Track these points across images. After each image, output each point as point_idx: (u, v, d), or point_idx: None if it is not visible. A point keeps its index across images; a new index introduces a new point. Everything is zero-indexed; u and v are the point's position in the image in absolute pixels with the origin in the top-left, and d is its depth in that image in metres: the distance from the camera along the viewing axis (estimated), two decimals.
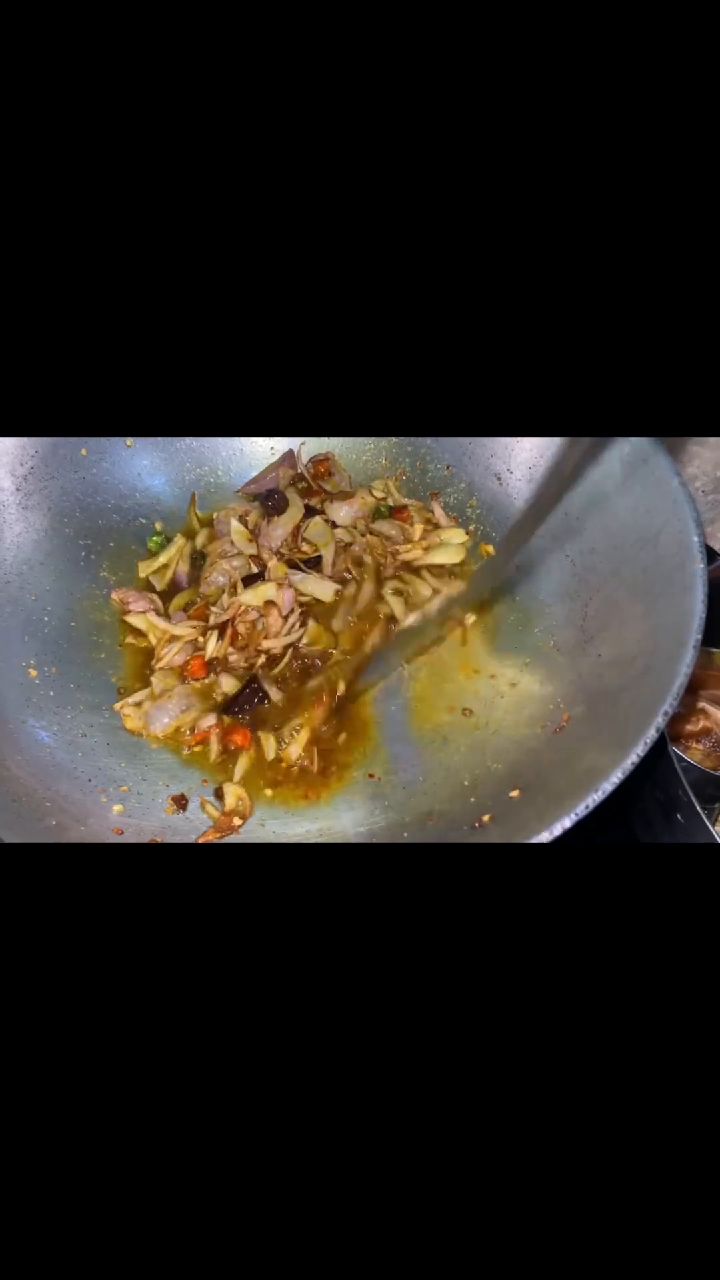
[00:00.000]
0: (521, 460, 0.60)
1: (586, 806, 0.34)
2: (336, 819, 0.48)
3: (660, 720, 0.36)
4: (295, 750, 0.50)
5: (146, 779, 0.49)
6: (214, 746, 0.51)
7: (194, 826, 0.47)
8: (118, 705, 0.52)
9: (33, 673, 0.51)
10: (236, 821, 0.47)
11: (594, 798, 0.34)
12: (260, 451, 0.64)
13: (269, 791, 0.50)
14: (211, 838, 0.46)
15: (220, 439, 0.63)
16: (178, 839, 0.46)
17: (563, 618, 0.53)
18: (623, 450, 0.52)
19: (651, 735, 0.35)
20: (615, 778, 0.34)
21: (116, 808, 0.47)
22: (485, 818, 0.43)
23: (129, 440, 0.60)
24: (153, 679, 0.53)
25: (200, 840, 0.46)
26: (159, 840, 0.46)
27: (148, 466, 0.61)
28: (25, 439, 0.55)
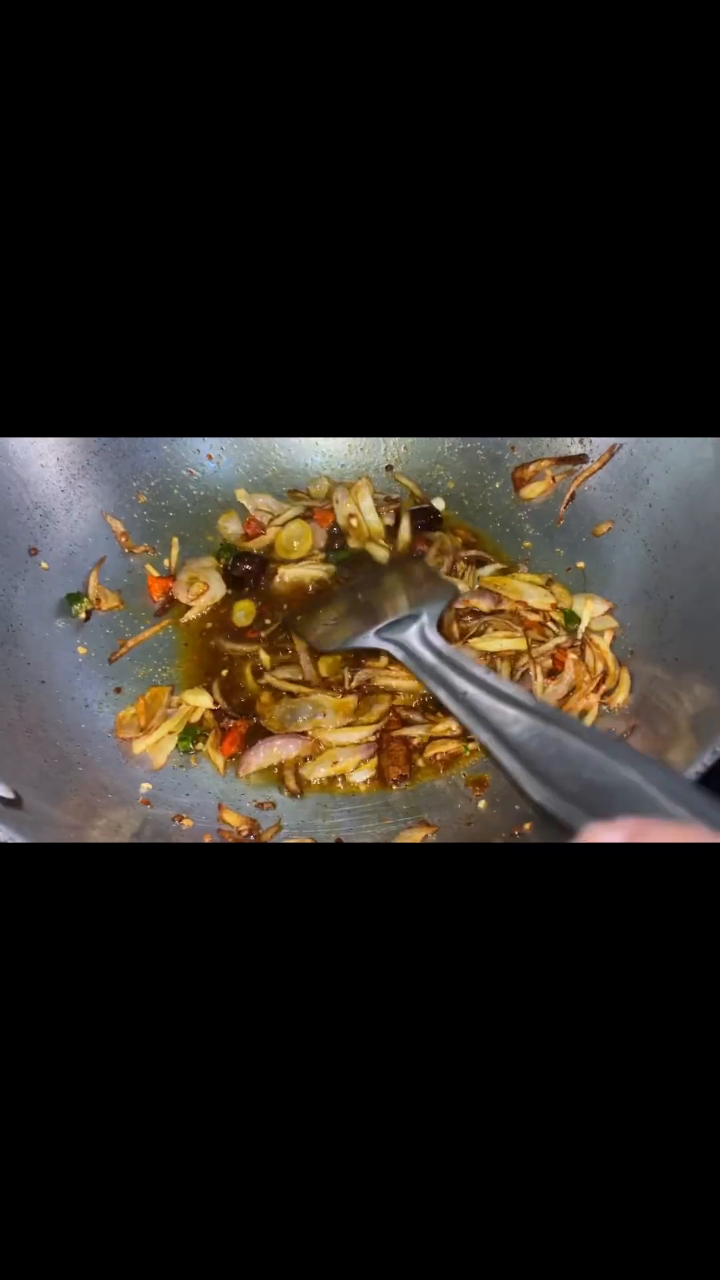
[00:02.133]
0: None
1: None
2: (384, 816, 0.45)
3: None
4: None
5: (185, 751, 0.48)
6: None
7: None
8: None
9: (82, 650, 0.51)
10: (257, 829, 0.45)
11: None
12: (307, 448, 0.63)
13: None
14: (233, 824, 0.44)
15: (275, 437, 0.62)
16: (202, 819, 0.45)
17: (639, 618, 0.48)
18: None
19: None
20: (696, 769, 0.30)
21: (145, 785, 0.46)
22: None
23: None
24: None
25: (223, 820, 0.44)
26: (182, 817, 0.44)
27: (217, 448, 0.61)
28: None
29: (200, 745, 0.48)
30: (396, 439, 0.63)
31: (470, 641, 0.51)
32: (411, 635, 0.46)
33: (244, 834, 0.44)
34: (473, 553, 0.55)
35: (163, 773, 0.47)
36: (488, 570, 0.54)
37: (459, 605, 0.52)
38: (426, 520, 0.58)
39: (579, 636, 0.49)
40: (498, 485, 0.59)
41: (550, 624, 0.51)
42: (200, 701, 0.49)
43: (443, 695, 0.40)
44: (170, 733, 0.48)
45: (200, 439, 0.60)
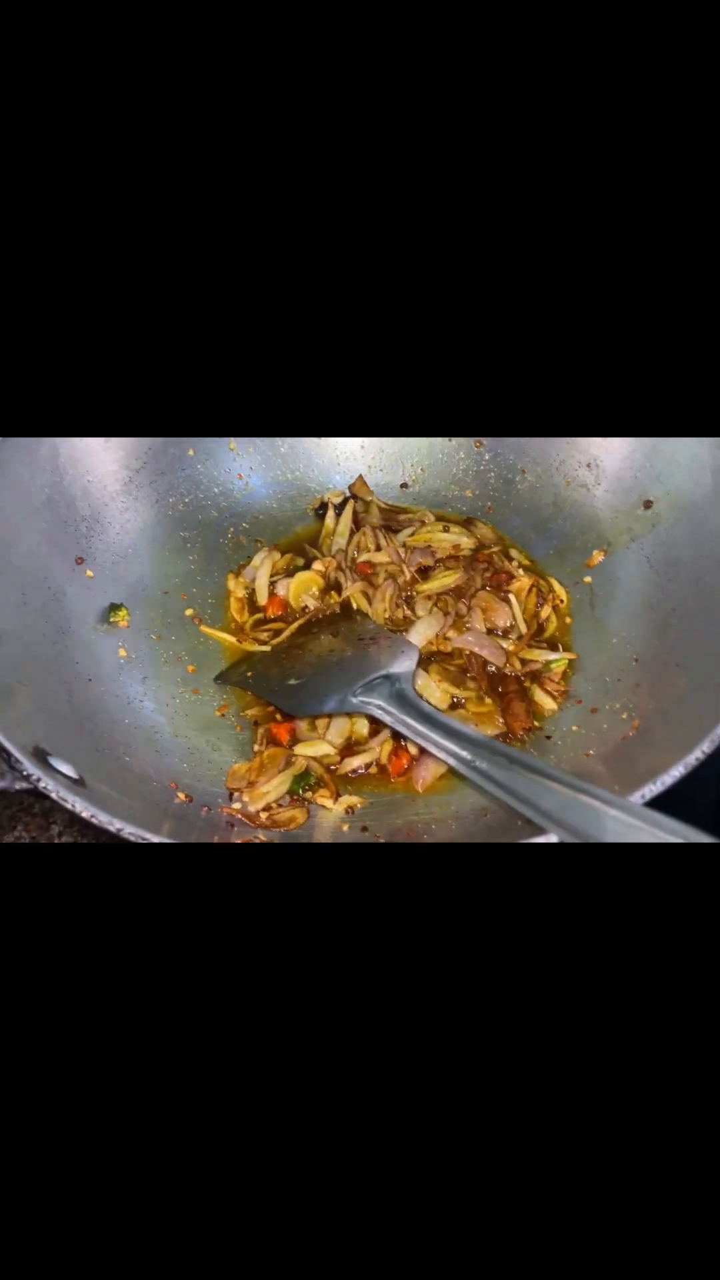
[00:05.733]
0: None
1: (643, 797, 0.33)
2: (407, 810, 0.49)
3: None
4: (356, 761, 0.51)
5: (217, 749, 0.52)
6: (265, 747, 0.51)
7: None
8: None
9: (123, 653, 0.55)
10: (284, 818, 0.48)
11: (650, 789, 0.33)
12: (352, 452, 0.67)
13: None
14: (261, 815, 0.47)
15: (313, 445, 0.67)
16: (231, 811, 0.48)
17: (644, 630, 0.51)
18: (717, 460, 0.50)
19: (718, 735, 0.34)
20: (676, 773, 0.33)
21: (183, 765, 0.49)
22: None
23: (232, 443, 0.65)
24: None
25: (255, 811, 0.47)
26: (218, 810, 0.48)
27: (247, 468, 0.65)
28: (139, 443, 0.60)
29: (311, 793, 0.49)
30: (415, 461, 0.67)
31: (417, 588, 0.58)
32: (391, 698, 0.47)
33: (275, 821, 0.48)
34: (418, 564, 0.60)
35: (198, 766, 0.51)
36: (405, 533, 0.62)
37: (417, 561, 0.59)
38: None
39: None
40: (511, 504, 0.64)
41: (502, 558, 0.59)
42: (318, 752, 0.50)
43: (439, 754, 0.42)
44: (279, 785, 0.49)
45: (231, 460, 0.64)
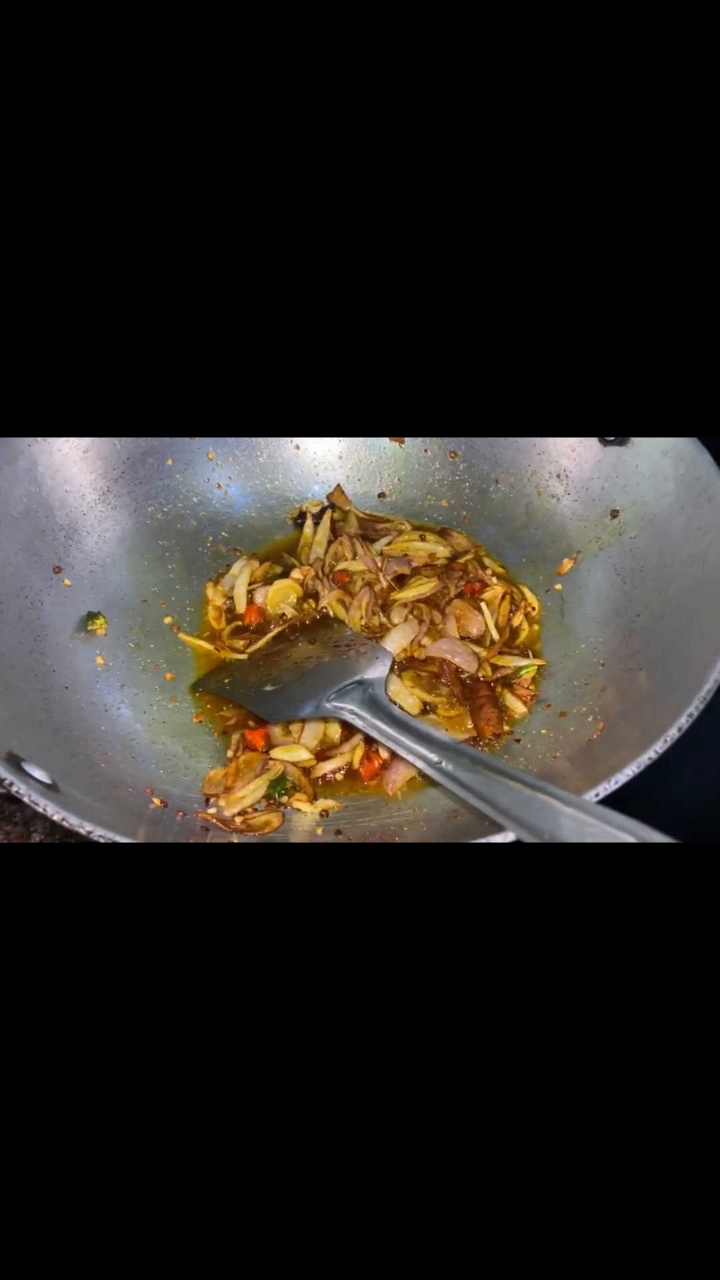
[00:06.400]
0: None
1: (597, 795, 0.34)
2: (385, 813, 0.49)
3: (684, 720, 0.35)
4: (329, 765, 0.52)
5: (194, 755, 0.52)
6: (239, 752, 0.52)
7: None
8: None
9: (100, 661, 0.56)
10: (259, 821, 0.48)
11: (605, 788, 0.34)
12: (330, 462, 0.68)
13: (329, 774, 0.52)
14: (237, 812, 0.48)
15: (292, 455, 0.68)
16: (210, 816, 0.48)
17: (610, 635, 0.53)
18: (679, 471, 0.52)
19: (673, 734, 0.35)
20: (629, 772, 0.34)
21: (159, 771, 0.50)
22: None
23: (210, 453, 0.66)
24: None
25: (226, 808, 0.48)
26: (193, 815, 0.48)
27: (226, 477, 0.66)
28: (119, 447, 0.61)
29: (287, 797, 0.50)
30: (392, 471, 0.68)
31: (393, 595, 0.59)
32: (363, 703, 0.48)
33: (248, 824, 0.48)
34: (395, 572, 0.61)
35: (174, 772, 0.51)
36: (382, 542, 0.63)
37: (393, 569, 0.61)
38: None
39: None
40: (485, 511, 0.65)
41: (476, 567, 0.61)
42: (294, 757, 0.51)
43: (408, 757, 0.43)
44: (255, 790, 0.49)
45: (210, 469, 0.65)
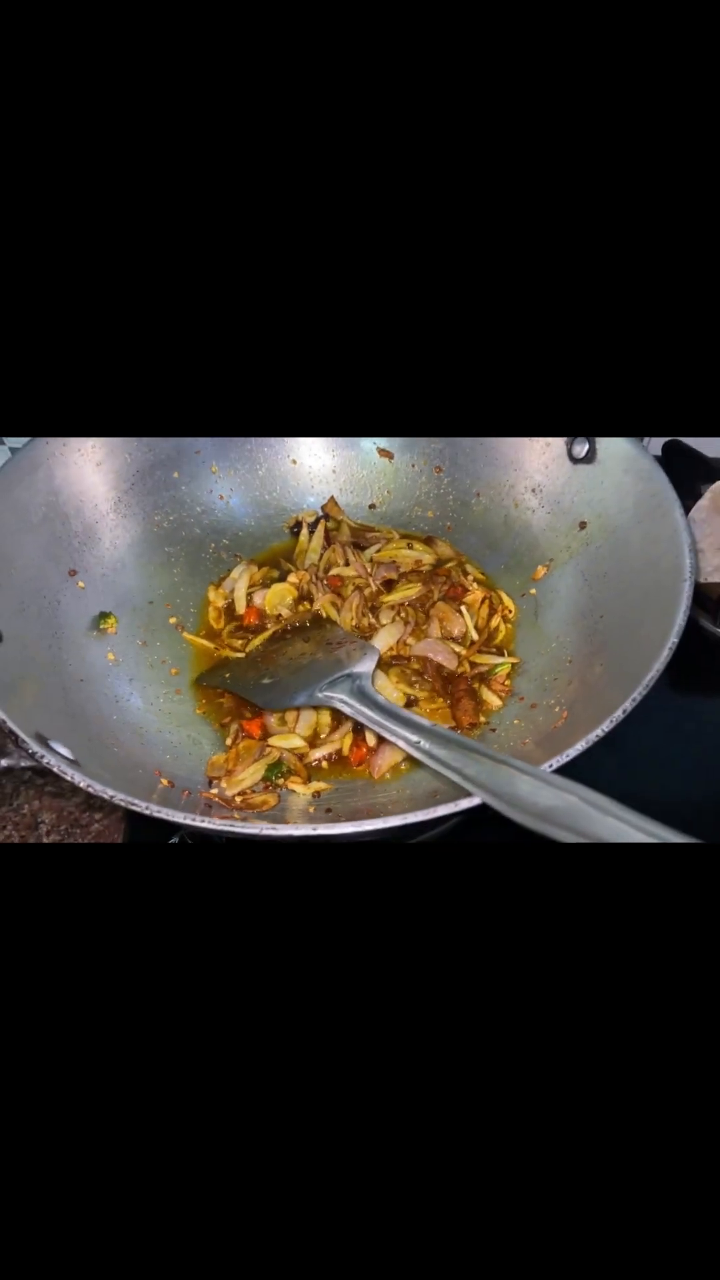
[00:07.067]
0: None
1: (550, 765, 0.39)
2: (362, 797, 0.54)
3: (628, 704, 0.41)
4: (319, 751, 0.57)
5: (197, 743, 0.57)
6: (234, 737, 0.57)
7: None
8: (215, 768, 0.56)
9: (111, 657, 0.61)
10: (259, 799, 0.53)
11: (558, 760, 0.39)
12: (324, 476, 0.74)
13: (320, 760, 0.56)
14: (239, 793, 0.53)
15: (289, 469, 0.73)
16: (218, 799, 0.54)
17: (577, 635, 0.58)
18: (638, 487, 0.57)
19: (618, 716, 0.40)
20: (579, 746, 0.40)
21: (166, 756, 0.55)
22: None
23: (214, 466, 0.71)
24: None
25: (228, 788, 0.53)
26: (198, 794, 0.53)
27: (227, 489, 0.72)
28: (130, 460, 0.67)
29: (283, 779, 0.55)
30: (382, 484, 0.74)
31: (381, 598, 0.63)
32: (352, 693, 0.52)
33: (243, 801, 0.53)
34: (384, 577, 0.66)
35: (179, 757, 0.56)
36: (372, 550, 0.68)
37: (382, 574, 0.65)
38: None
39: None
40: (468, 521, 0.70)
41: (459, 573, 0.65)
42: (290, 745, 0.56)
43: (391, 739, 0.47)
44: (254, 773, 0.54)
45: (214, 481, 0.71)
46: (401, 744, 0.46)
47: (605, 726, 0.40)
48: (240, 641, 0.65)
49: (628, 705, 0.41)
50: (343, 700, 0.53)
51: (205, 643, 0.65)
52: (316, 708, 0.58)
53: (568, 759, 0.39)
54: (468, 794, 0.39)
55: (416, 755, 0.45)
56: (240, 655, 0.63)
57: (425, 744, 0.44)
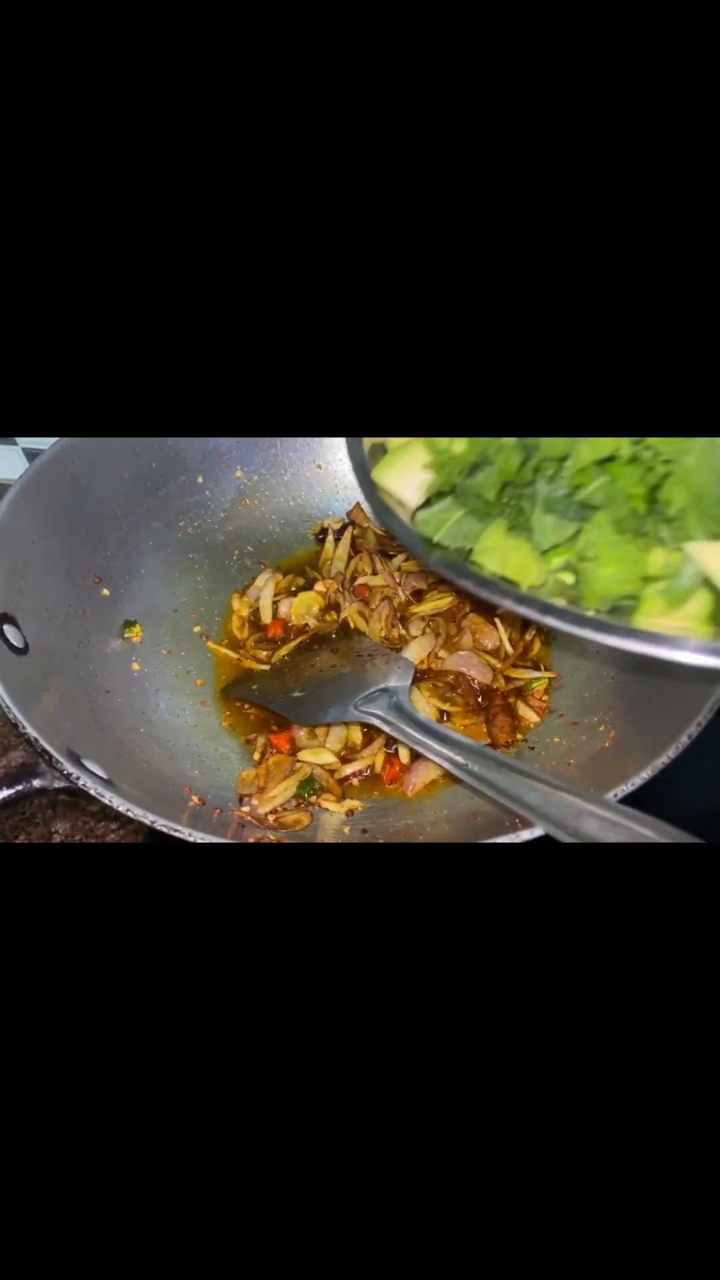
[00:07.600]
0: None
1: (616, 795, 0.37)
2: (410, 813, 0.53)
3: (693, 729, 0.39)
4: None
5: (224, 757, 0.56)
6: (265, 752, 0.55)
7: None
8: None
9: (136, 666, 0.59)
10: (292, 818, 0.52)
11: (623, 789, 0.38)
12: (350, 481, 0.72)
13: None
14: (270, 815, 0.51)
15: (314, 474, 0.72)
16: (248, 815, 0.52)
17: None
18: None
19: (684, 741, 0.39)
20: (645, 775, 0.38)
21: (194, 771, 0.53)
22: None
23: (238, 471, 0.69)
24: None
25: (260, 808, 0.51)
26: (229, 812, 0.51)
27: (251, 495, 0.70)
28: (154, 466, 0.65)
29: (315, 797, 0.53)
30: None
31: (411, 609, 0.61)
32: (390, 709, 0.51)
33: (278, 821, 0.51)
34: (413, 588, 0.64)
35: (207, 772, 0.55)
36: (400, 558, 0.66)
37: (411, 584, 0.64)
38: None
39: None
40: None
41: None
42: (321, 760, 0.54)
43: (435, 760, 0.46)
44: (286, 789, 0.53)
45: (238, 487, 0.69)
46: (446, 765, 0.44)
47: (670, 753, 0.39)
48: (265, 653, 0.63)
49: (692, 730, 0.39)
50: (380, 717, 0.51)
51: (229, 652, 0.63)
52: (348, 723, 0.56)
53: (633, 786, 0.38)
54: (510, 813, 0.37)
55: (463, 778, 0.43)
56: (264, 667, 0.62)
57: (474, 766, 0.42)
